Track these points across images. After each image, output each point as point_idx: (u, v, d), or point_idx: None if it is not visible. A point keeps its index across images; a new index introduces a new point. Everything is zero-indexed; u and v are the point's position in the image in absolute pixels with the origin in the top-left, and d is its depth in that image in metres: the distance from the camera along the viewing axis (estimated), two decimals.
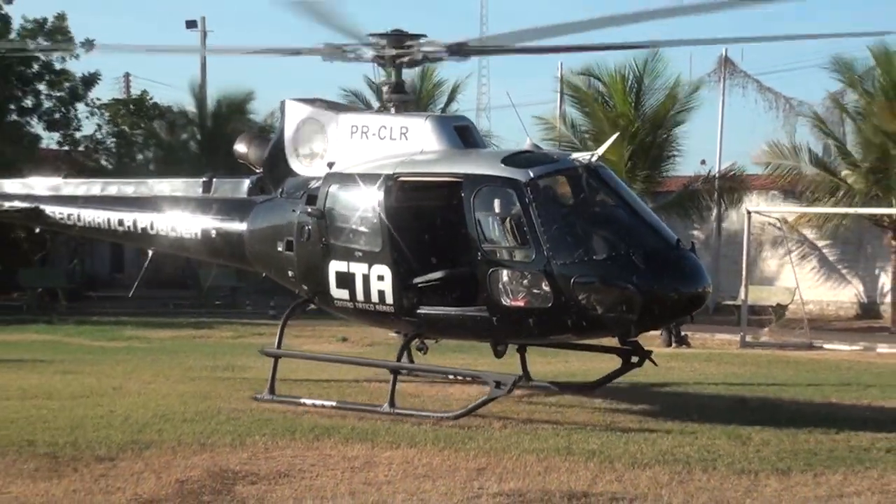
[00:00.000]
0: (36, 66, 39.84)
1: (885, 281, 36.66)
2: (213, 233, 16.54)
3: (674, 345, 27.67)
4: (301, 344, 25.92)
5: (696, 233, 40.42)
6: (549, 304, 13.16)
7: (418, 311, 14.16)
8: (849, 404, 16.71)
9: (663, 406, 15.93)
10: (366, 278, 14.23)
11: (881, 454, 12.55)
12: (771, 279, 37.66)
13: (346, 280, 14.44)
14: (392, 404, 14.31)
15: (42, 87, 40.17)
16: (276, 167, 15.71)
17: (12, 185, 19.49)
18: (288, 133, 15.54)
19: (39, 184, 19.30)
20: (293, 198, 15.22)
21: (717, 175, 38.38)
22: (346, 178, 14.58)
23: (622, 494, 10.39)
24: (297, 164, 15.47)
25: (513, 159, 13.75)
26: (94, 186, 18.92)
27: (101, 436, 12.67)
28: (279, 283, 16.05)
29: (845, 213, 34.23)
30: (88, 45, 40.50)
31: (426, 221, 14.51)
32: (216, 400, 15.67)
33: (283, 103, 15.77)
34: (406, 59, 14.97)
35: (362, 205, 14.38)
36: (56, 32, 39.68)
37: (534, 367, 21.48)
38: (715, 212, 39.33)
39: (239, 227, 16.17)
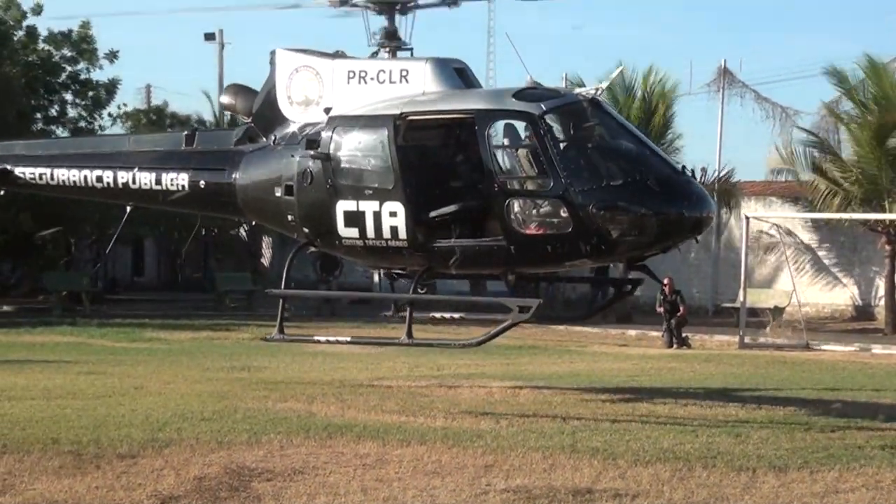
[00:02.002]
0: (62, 76, 39.97)
1: (878, 284, 36.56)
2: (202, 183, 16.02)
3: (675, 346, 27.66)
4: (315, 345, 25.86)
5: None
6: (569, 230, 13.21)
7: (433, 244, 13.99)
8: (844, 404, 16.63)
9: (664, 405, 15.89)
10: (377, 215, 14.05)
11: (875, 451, 12.50)
12: (769, 282, 37.62)
13: (355, 219, 14.23)
14: (409, 335, 14.17)
15: (68, 96, 40.28)
16: (267, 116, 15.40)
17: None
18: (280, 81, 15.20)
19: (6, 147, 18.29)
20: (290, 143, 14.98)
21: (715, 182, 38.45)
22: (351, 120, 14.38)
23: (625, 491, 10.37)
24: (290, 112, 15.14)
25: (523, 94, 13.80)
26: (68, 144, 18.25)
27: (123, 434, 12.67)
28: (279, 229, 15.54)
29: (841, 217, 34.16)
30: (112, 56, 40.75)
31: (438, 157, 14.50)
32: (233, 399, 15.66)
33: (273, 53, 15.40)
34: (399, 5, 14.90)
35: (372, 144, 14.21)
36: (81, 41, 39.81)
37: (539, 368, 21.55)
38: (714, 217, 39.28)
39: (230, 176, 15.72)
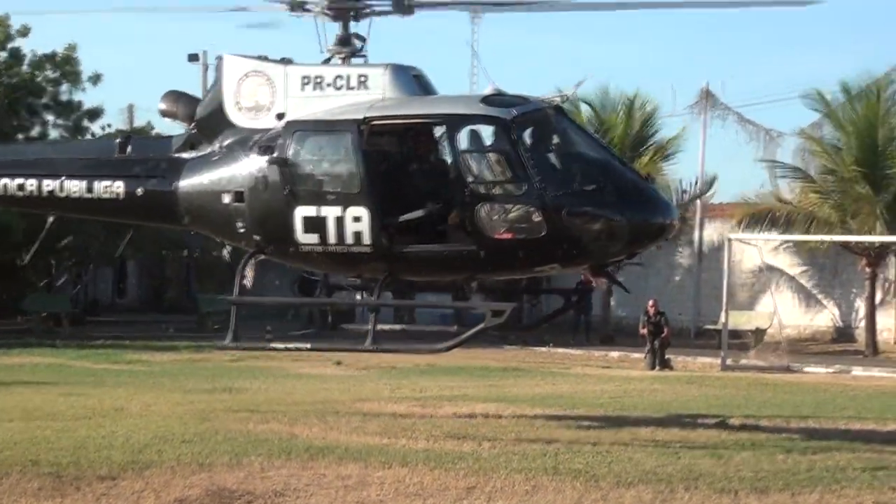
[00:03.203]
0: (45, 98, 39.96)
1: (859, 305, 36.73)
2: (139, 191, 15.46)
3: (657, 368, 27.69)
4: (298, 367, 25.91)
5: (679, 259, 40.63)
6: (541, 235, 13.20)
7: (398, 250, 13.85)
8: (826, 426, 16.68)
9: (647, 427, 15.90)
10: (339, 220, 13.84)
11: (857, 473, 12.54)
12: (750, 304, 37.72)
13: (315, 224, 14.00)
14: (375, 341, 14.03)
15: (49, 116, 40.24)
16: (212, 122, 15.05)
17: None
18: (228, 87, 14.86)
19: None
20: (239, 150, 14.68)
21: (697, 204, 38.71)
22: (310, 125, 14.21)
23: None
24: (238, 118, 14.80)
25: (490, 100, 13.81)
26: None
27: (103, 456, 12.61)
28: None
29: (821, 240, 34.37)
30: (96, 78, 40.76)
31: (404, 162, 14.41)
32: (214, 421, 15.61)
33: (220, 59, 15.14)
34: (353, 11, 14.73)
35: (334, 149, 14.08)
36: (65, 63, 39.81)
37: (522, 390, 21.54)
38: (696, 238, 39.58)
39: (171, 184, 15.25)
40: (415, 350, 13.78)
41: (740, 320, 33.30)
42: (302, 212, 14.06)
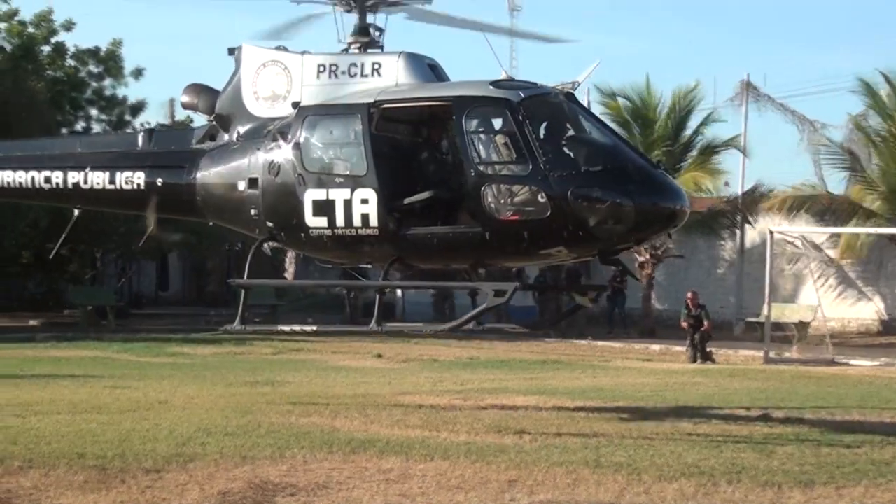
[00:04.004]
0: (88, 92, 40.31)
1: None
2: (159, 182, 15.67)
3: (699, 361, 27.57)
4: (339, 360, 26.03)
5: (721, 252, 40.41)
6: (546, 216, 13.12)
7: (406, 232, 13.85)
8: (871, 419, 16.55)
9: (689, 420, 15.84)
10: (348, 203, 13.89)
11: None
12: (793, 297, 37.43)
13: (324, 207, 14.05)
14: (379, 323, 13.99)
15: (93, 111, 40.62)
16: (230, 113, 15.22)
17: None
18: (246, 77, 15.03)
19: None
20: (255, 137, 14.82)
21: (739, 196, 38.44)
22: (322, 110, 14.30)
23: None
24: (256, 107, 14.96)
25: (500, 84, 13.79)
26: (13, 146, 17.36)
27: (148, 449, 12.71)
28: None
29: (867, 231, 34.04)
30: (138, 73, 41.12)
31: (412, 144, 14.43)
32: (257, 414, 15.69)
33: (239, 49, 15.23)
34: (370, 2, 14.79)
35: (344, 132, 14.18)
36: (108, 58, 40.15)
37: (562, 382, 21.50)
38: (738, 231, 39.33)
39: (189, 175, 15.44)
40: (417, 331, 13.77)
41: (783, 313, 33.05)
42: (312, 195, 14.13)
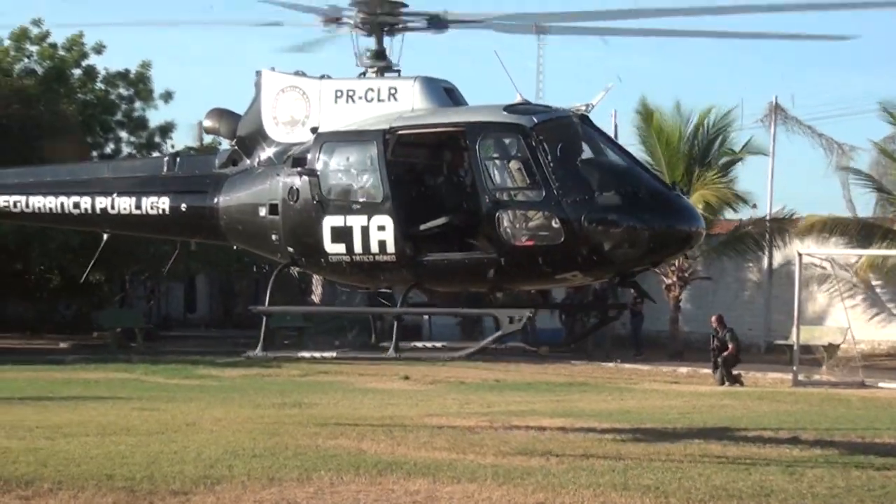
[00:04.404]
0: (118, 114, 40.65)
1: None
2: (183, 207, 15.83)
3: (726, 384, 27.43)
4: (366, 382, 26.03)
5: (748, 274, 40.24)
6: (560, 241, 13.12)
7: (422, 258, 13.89)
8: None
9: (717, 442, 15.76)
10: (365, 230, 13.96)
11: None
12: (821, 319, 37.22)
13: (342, 234, 14.13)
14: (397, 349, 14.08)
15: (123, 133, 40.92)
16: (251, 138, 15.31)
17: None
18: (266, 102, 15.12)
19: None
20: (275, 164, 14.91)
21: (768, 218, 38.28)
22: (339, 136, 14.34)
23: None
24: (276, 132, 15.03)
25: (514, 108, 13.77)
26: (44, 172, 17.63)
27: (176, 471, 12.74)
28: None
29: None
30: (167, 96, 41.42)
31: (427, 171, 14.46)
32: (284, 436, 15.71)
33: (258, 74, 15.31)
34: (387, 27, 14.84)
35: (360, 159, 14.17)
36: (138, 81, 40.48)
37: (589, 405, 21.44)
38: (766, 254, 39.16)
39: (212, 200, 15.57)
40: (434, 357, 13.97)
41: (812, 335, 32.86)
42: (330, 221, 14.22)
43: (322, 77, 14.96)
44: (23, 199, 16.73)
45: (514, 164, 13.54)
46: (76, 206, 16.44)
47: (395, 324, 14.18)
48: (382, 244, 13.89)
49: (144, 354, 33.63)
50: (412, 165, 14.35)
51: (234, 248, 16.73)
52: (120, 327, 38.65)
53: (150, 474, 12.47)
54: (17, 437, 15.22)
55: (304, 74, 15.09)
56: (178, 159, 16.52)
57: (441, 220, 13.84)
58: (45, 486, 11.74)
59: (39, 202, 16.63)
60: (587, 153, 13.68)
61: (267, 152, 15.12)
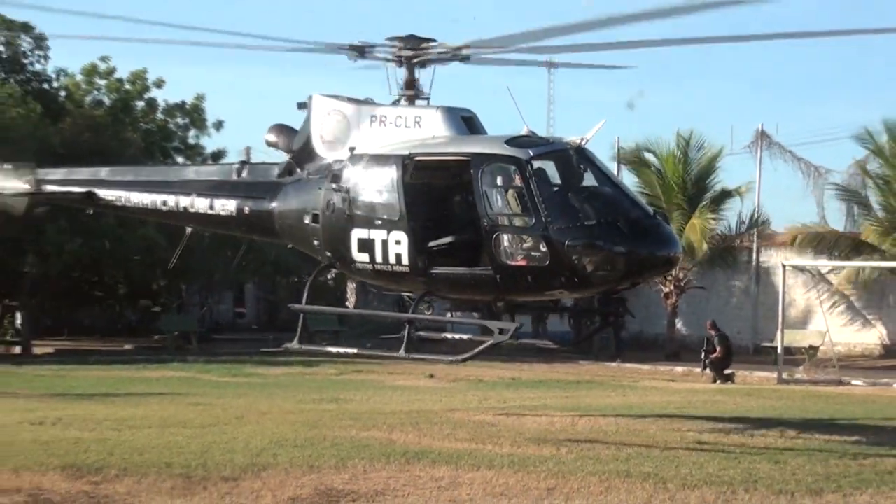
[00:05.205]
0: (175, 141, 40.93)
1: None
2: (247, 209, 16.29)
3: (718, 381, 27.31)
4: (394, 380, 26.02)
5: (736, 283, 40.16)
6: (546, 263, 13.22)
7: (431, 271, 14.11)
8: (874, 434, 16.31)
9: (710, 434, 15.69)
10: (384, 243, 14.23)
11: None
12: (803, 323, 37.09)
13: (366, 245, 14.41)
14: (407, 351, 14.29)
15: (180, 158, 41.13)
16: (303, 152, 15.59)
17: (62, 173, 18.81)
18: (315, 123, 15.43)
19: (88, 171, 18.74)
20: (319, 177, 15.18)
21: (755, 233, 38.29)
22: (368, 159, 14.56)
23: None
24: (322, 150, 15.33)
25: (515, 141, 13.87)
26: (142, 172, 18.72)
27: (226, 459, 12.76)
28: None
29: (869, 266, 33.76)
30: (218, 125, 41.67)
31: (438, 194, 14.55)
32: (322, 428, 15.70)
33: (310, 98, 15.63)
34: (418, 60, 14.99)
35: (383, 180, 14.36)
36: (193, 111, 40.76)
37: (595, 400, 21.37)
38: (753, 264, 39.16)
39: (269, 204, 15.97)
40: (438, 360, 15.30)
41: (795, 338, 32.72)
42: (357, 234, 14.52)
43: (364, 101, 15.22)
44: (125, 194, 17.64)
45: (510, 193, 13.62)
46: (164, 203, 17.16)
47: (407, 328, 14.38)
48: (398, 256, 14.17)
49: (198, 355, 33.69)
50: (426, 189, 14.46)
51: (289, 247, 17.09)
52: (177, 331, 38.78)
53: (203, 462, 12.50)
54: (88, 429, 15.29)
55: (348, 99, 15.33)
56: (245, 167, 16.91)
57: (447, 239, 14.07)
58: (113, 472, 11.80)
59: (138, 198, 17.46)
60: (577, 183, 13.68)
61: (314, 166, 15.40)
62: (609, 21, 13.14)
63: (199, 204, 16.72)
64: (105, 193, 17.80)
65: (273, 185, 16.05)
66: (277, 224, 15.93)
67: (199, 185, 16.96)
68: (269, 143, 16.53)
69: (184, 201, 16.88)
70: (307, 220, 15.18)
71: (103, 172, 18.55)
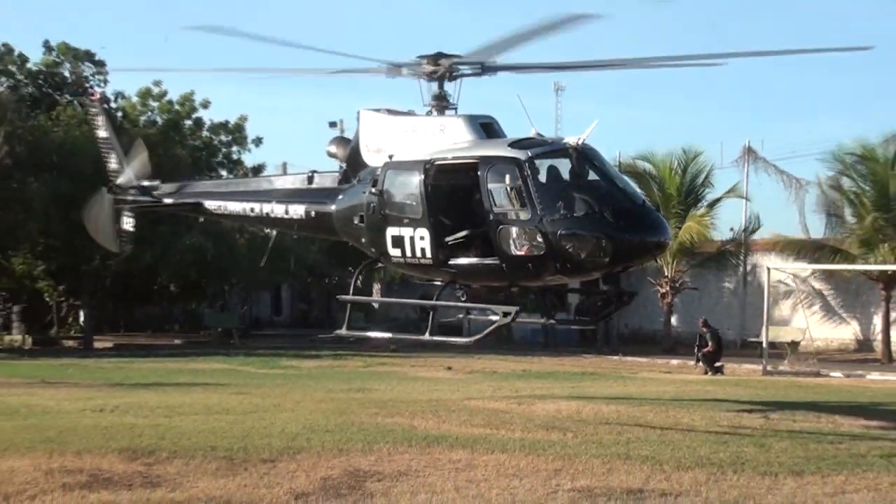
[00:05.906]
0: (219, 157, 41.12)
1: (876, 322, 35.78)
2: (312, 213, 16.68)
3: (709, 373, 27.22)
4: (416, 372, 26.04)
5: (726, 284, 40.06)
6: (542, 252, 13.33)
7: (450, 262, 14.39)
8: (849, 420, 16.23)
9: (702, 420, 15.64)
10: (412, 239, 14.54)
11: (875, 459, 12.18)
12: (786, 321, 37.00)
13: (398, 241, 14.73)
14: (431, 334, 14.89)
15: (223, 172, 41.34)
16: (354, 161, 15.85)
17: (172, 187, 19.62)
18: (362, 134, 15.68)
19: (196, 186, 19.98)
20: (363, 183, 15.45)
21: (742, 240, 38.29)
22: (398, 165, 14.81)
23: (670, 491, 10.23)
24: (368, 158, 15.54)
25: (517, 143, 13.94)
26: (238, 184, 20.04)
27: (265, 443, 12.78)
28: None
29: (845, 269, 33.68)
30: (258, 141, 41.83)
31: (453, 194, 14.66)
32: (350, 415, 15.72)
33: (358, 112, 15.90)
34: (444, 73, 15.08)
35: (409, 184, 14.58)
36: (236, 130, 40.99)
37: (598, 390, 21.32)
38: (741, 268, 39.15)
39: (329, 207, 16.30)
40: (452, 343, 16.25)
41: (778, 334, 32.63)
42: (390, 232, 14.84)
43: (402, 113, 15.47)
44: (224, 203, 18.26)
45: (511, 190, 13.72)
46: (252, 210, 17.81)
47: (431, 314, 14.95)
48: (423, 251, 14.50)
49: (240, 349, 33.80)
50: (443, 190, 14.63)
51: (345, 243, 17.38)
52: (221, 327, 38.98)
53: (244, 445, 12.53)
54: (142, 416, 15.36)
55: (389, 111, 15.58)
56: (312, 176, 17.24)
57: (461, 234, 14.30)
58: (164, 455, 11.84)
59: (233, 206, 18.22)
60: (570, 179, 13.67)
61: (362, 174, 15.67)
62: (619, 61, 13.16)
63: (277, 210, 17.26)
64: (209, 204, 18.52)
65: (332, 192, 16.40)
66: (336, 225, 16.29)
67: (277, 194, 17.51)
68: (329, 154, 17.00)
69: (266, 208, 17.43)
70: (356, 220, 15.51)
71: (208, 185, 19.99)
